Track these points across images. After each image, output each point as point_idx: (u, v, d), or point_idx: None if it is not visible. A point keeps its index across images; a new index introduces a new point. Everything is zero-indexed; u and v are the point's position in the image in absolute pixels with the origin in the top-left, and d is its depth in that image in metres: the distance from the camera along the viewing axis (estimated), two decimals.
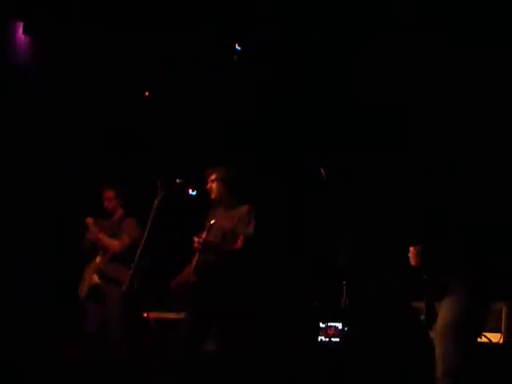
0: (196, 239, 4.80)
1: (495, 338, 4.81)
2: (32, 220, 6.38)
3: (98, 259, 5.72)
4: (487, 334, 4.67)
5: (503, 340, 4.81)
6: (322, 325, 5.59)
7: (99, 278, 5.65)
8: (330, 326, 5.57)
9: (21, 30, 6.49)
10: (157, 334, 5.78)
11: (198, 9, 6.18)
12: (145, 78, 6.79)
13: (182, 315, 5.31)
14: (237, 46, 6.41)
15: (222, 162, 5.19)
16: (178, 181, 4.86)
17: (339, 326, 5.53)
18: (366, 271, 5.73)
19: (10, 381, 5.23)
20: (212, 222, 4.90)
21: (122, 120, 6.77)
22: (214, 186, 5.01)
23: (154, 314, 5.91)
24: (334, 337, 5.54)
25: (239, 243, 4.86)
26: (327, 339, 5.56)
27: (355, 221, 5.67)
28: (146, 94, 6.82)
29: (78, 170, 6.59)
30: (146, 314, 5.91)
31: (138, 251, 4.68)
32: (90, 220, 5.80)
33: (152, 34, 6.33)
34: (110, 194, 5.87)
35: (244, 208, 4.96)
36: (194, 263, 4.89)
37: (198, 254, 4.87)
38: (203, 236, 4.82)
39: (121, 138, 6.78)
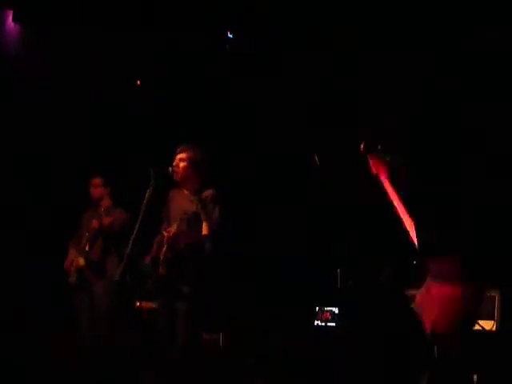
0: (166, 234, 4.67)
1: (488, 325, 4.82)
2: (32, 219, 6.35)
3: (85, 246, 5.71)
4: (480, 322, 4.69)
5: (496, 327, 4.83)
6: (317, 309, 5.61)
7: (85, 260, 5.64)
8: (326, 311, 5.58)
9: (10, 18, 6.44)
10: (150, 323, 5.76)
11: (197, 9, 6.15)
12: (137, 69, 6.77)
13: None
14: (229, 34, 6.38)
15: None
16: (170, 169, 4.83)
17: (335, 310, 5.54)
18: (362, 262, 5.72)
19: (10, 381, 5.21)
20: (183, 215, 4.78)
21: (115, 110, 6.74)
22: (180, 165, 4.84)
23: (146, 304, 5.89)
24: (330, 321, 5.55)
25: (204, 230, 4.72)
26: (323, 324, 5.57)
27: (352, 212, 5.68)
28: (138, 82, 6.79)
29: (76, 164, 6.56)
30: (138, 304, 5.90)
31: (131, 240, 4.65)
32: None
33: (152, 34, 6.31)
34: (97, 180, 5.86)
35: (208, 193, 4.81)
36: (156, 245, 4.79)
37: (165, 246, 4.70)
38: (173, 229, 4.67)
39: (113, 126, 6.74)
